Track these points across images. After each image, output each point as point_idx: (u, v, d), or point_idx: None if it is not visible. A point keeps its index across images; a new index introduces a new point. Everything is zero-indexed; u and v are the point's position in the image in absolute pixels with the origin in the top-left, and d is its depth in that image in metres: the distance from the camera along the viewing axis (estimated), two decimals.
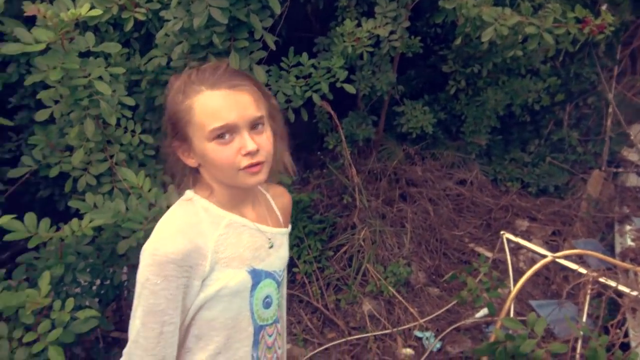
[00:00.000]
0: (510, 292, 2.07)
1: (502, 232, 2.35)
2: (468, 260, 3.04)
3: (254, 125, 0.95)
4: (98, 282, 1.95)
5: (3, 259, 2.45)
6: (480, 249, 3.07)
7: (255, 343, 1.03)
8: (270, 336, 1.07)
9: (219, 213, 1.00)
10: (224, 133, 0.92)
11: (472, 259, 3.05)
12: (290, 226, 1.20)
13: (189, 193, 1.02)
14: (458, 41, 2.96)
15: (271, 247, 1.06)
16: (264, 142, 0.95)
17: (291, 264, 2.78)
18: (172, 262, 0.89)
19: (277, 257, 1.08)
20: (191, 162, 1.00)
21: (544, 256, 2.24)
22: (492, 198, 3.50)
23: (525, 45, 2.67)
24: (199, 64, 1.01)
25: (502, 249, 2.37)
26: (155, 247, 0.91)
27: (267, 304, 1.05)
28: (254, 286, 1.01)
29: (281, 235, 1.12)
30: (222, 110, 0.92)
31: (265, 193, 1.15)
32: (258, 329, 1.04)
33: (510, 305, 1.97)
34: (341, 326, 2.57)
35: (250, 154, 0.93)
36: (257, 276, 1.01)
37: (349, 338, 2.50)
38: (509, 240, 2.31)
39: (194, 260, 0.92)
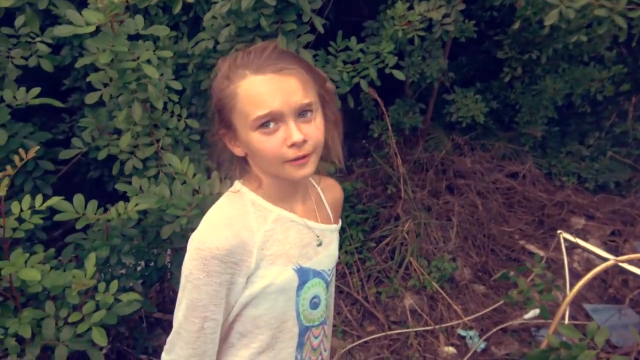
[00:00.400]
0: (565, 295, 1.94)
1: (559, 232, 2.20)
2: (517, 258, 2.89)
3: (301, 113, 0.87)
4: (142, 264, 1.98)
5: (54, 237, 2.54)
6: (531, 247, 2.92)
7: (300, 344, 0.99)
8: (316, 338, 1.02)
9: (266, 207, 0.94)
10: (268, 122, 0.85)
11: (521, 256, 2.90)
12: (340, 222, 1.12)
13: (237, 184, 0.97)
14: (516, 25, 2.78)
15: (320, 244, 0.99)
16: (312, 131, 0.87)
17: None
18: (216, 258, 0.85)
19: (326, 255, 1.02)
20: (238, 150, 0.94)
21: (604, 259, 2.08)
22: (545, 193, 3.31)
23: (590, 30, 2.47)
24: (246, 46, 0.94)
25: (556, 248, 2.23)
26: (200, 241, 0.87)
27: (314, 305, 0.99)
28: (301, 285, 0.95)
29: (330, 232, 1.05)
30: (266, 97, 0.84)
31: (316, 186, 1.08)
32: (304, 330, 0.99)
33: (565, 310, 1.84)
34: (381, 320, 2.51)
35: (295, 145, 0.86)
36: (304, 275, 0.96)
37: (389, 332, 2.44)
38: (565, 240, 2.16)
39: (239, 257, 0.87)
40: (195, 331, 0.88)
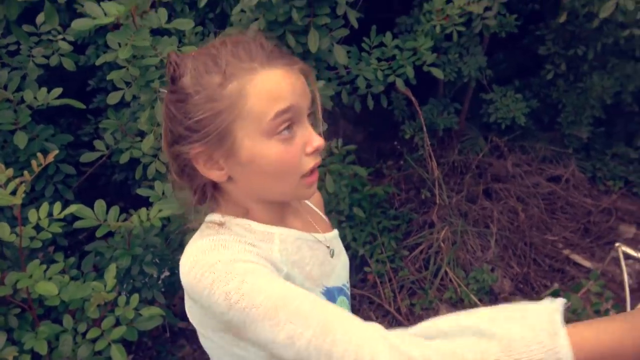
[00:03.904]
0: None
1: (617, 244, 2.00)
2: (561, 269, 2.70)
3: (310, 115, 0.73)
4: (166, 272, 1.89)
5: (79, 241, 2.48)
6: (576, 257, 2.71)
7: None
8: None
9: (265, 229, 0.75)
10: (289, 124, 0.69)
11: (566, 267, 2.70)
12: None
13: (215, 217, 0.75)
14: (562, 18, 2.60)
15: (332, 255, 0.84)
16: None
17: (362, 263, 2.60)
18: (238, 260, 0.64)
19: (341, 267, 0.87)
20: (217, 174, 0.72)
21: None
22: (590, 198, 3.10)
23: None
24: (221, 36, 0.73)
25: (612, 262, 2.03)
26: (193, 260, 0.65)
27: None
28: None
29: (336, 240, 0.90)
30: (286, 90, 0.68)
31: None
32: None
33: None
34: None
35: (317, 151, 0.71)
36: (331, 297, 0.80)
37: None
38: (625, 254, 1.96)
39: (269, 264, 0.67)
40: (310, 302, 0.61)
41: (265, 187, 0.72)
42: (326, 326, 0.59)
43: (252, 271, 0.63)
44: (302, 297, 0.61)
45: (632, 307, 1.68)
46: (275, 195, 0.74)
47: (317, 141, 0.71)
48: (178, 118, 0.70)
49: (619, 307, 1.70)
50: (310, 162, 0.71)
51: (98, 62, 1.47)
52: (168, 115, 0.73)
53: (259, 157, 0.69)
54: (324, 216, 0.94)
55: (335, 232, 0.91)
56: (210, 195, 0.76)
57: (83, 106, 1.73)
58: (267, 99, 0.67)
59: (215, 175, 0.72)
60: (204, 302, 0.63)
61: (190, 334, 2.26)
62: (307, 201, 0.92)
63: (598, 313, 1.68)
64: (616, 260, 2.67)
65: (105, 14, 1.25)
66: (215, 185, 0.76)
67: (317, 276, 0.78)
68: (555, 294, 1.86)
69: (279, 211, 0.80)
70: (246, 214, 0.76)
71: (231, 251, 0.65)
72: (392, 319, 2.46)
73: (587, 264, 2.63)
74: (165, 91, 0.75)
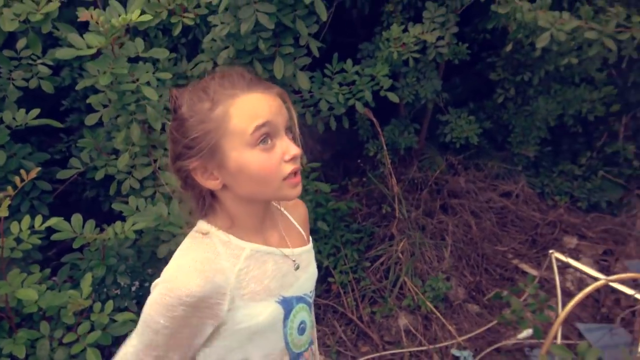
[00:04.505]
0: (557, 315, 1.96)
1: (550, 251, 2.23)
2: (511, 277, 2.91)
3: (287, 130, 0.89)
4: (137, 284, 1.98)
5: (50, 257, 2.53)
6: (524, 266, 2.93)
7: None
8: None
9: (238, 244, 0.90)
10: (267, 137, 0.84)
11: (515, 276, 2.92)
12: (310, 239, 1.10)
13: (203, 225, 0.91)
14: (508, 47, 2.85)
15: (297, 269, 0.98)
16: (299, 147, 0.89)
17: (326, 274, 2.74)
18: (184, 305, 0.81)
19: (306, 279, 1.01)
20: (213, 184, 0.88)
21: (595, 278, 2.11)
22: (538, 212, 3.34)
23: (581, 52, 2.53)
24: (209, 73, 0.94)
25: (549, 268, 2.25)
26: (168, 288, 0.82)
27: (301, 330, 0.98)
28: (287, 315, 0.94)
29: (307, 254, 1.03)
30: (262, 109, 0.84)
31: (280, 208, 1.05)
32: (295, 357, 0.98)
33: (557, 330, 1.85)
34: (375, 340, 2.51)
35: (294, 158, 0.86)
36: (288, 305, 0.95)
37: (383, 353, 2.44)
38: (557, 260, 2.19)
39: (213, 301, 0.84)
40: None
41: (254, 190, 0.88)
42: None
43: (163, 328, 0.83)
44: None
45: (564, 307, 1.89)
46: (263, 196, 0.89)
47: (294, 150, 0.86)
48: (178, 139, 0.87)
49: (552, 307, 1.90)
50: (289, 167, 0.86)
51: (79, 87, 1.59)
52: (171, 138, 0.89)
53: (244, 166, 0.85)
54: (302, 230, 1.06)
55: (309, 246, 1.05)
56: (208, 204, 0.91)
57: (61, 125, 1.84)
58: (246, 117, 0.83)
59: (211, 184, 0.88)
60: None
61: None
62: (289, 215, 1.05)
63: (534, 313, 1.88)
64: (559, 269, 2.91)
65: (88, 46, 1.38)
66: (213, 195, 0.91)
67: (274, 288, 0.92)
68: (497, 297, 2.05)
69: (260, 222, 0.94)
70: (231, 226, 0.91)
71: (188, 289, 0.81)
72: (355, 327, 2.60)
73: (533, 272, 2.85)
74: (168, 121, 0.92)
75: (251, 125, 0.83)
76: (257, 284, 0.90)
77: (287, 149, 0.86)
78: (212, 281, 0.83)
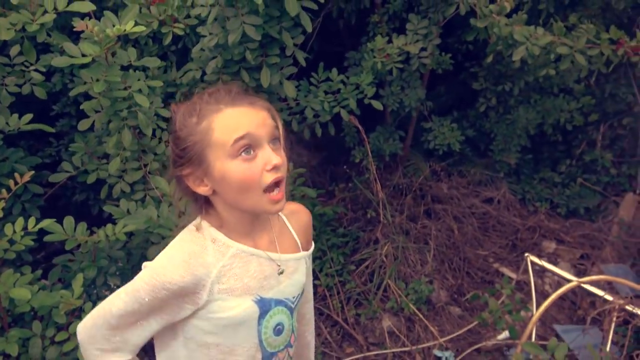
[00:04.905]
0: (532, 315, 2.04)
1: (526, 255, 2.32)
2: (492, 281, 3.00)
3: (272, 140, 0.94)
4: None
5: (38, 259, 2.56)
6: (504, 270, 3.03)
7: None
8: None
9: (226, 242, 0.98)
10: (248, 147, 0.90)
11: (496, 279, 3.01)
12: (312, 247, 1.15)
13: (198, 220, 1.00)
14: (489, 59, 2.96)
15: (281, 273, 1.04)
16: (283, 158, 0.95)
17: (313, 277, 2.81)
18: (166, 290, 0.92)
19: (290, 284, 1.05)
20: (204, 189, 0.96)
21: (569, 280, 2.20)
22: (519, 218, 3.45)
23: (558, 64, 2.65)
24: (204, 87, 1.03)
25: (527, 271, 2.34)
26: (156, 272, 0.93)
27: (278, 332, 1.04)
28: (263, 315, 1.00)
29: (295, 261, 1.08)
30: (243, 122, 0.91)
31: (280, 214, 1.09)
32: (268, 356, 1.04)
33: (532, 329, 1.94)
34: (360, 341, 2.58)
35: (275, 167, 0.91)
36: (265, 305, 1.01)
37: (368, 354, 2.50)
38: (533, 263, 2.28)
39: (192, 290, 0.94)
40: (128, 324, 0.96)
41: (237, 199, 0.94)
42: (112, 326, 0.98)
43: (147, 303, 0.93)
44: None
45: (538, 307, 1.97)
46: (245, 204, 0.95)
47: (275, 159, 0.92)
48: (174, 149, 0.98)
49: (527, 308, 1.99)
50: (270, 177, 0.92)
51: (72, 93, 1.65)
52: (170, 148, 1.01)
53: (226, 175, 0.92)
54: (297, 238, 1.10)
55: (301, 254, 1.10)
56: (203, 204, 1.01)
57: (52, 130, 1.88)
58: (227, 129, 0.91)
59: (202, 190, 0.96)
60: None
61: (149, 345, 2.37)
62: (286, 221, 1.10)
63: (510, 313, 1.96)
64: (538, 272, 3.01)
65: (83, 54, 1.45)
66: (206, 198, 0.99)
67: (253, 287, 0.99)
68: (475, 298, 2.13)
69: (250, 225, 1.01)
70: (221, 226, 0.99)
71: (172, 277, 0.92)
72: (340, 328, 2.67)
73: (513, 275, 2.94)
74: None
75: (231, 137, 0.90)
76: (237, 280, 0.97)
77: (269, 159, 0.91)
78: (193, 274, 0.93)
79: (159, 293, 0.92)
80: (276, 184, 0.94)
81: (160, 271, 0.93)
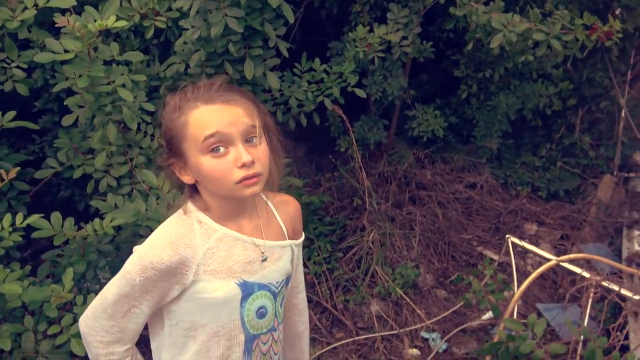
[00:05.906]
0: (514, 294, 2.12)
1: (507, 236, 2.39)
2: (476, 263, 3.07)
3: (248, 139, 0.97)
4: None
5: (25, 257, 2.56)
6: (488, 252, 3.10)
7: (248, 350, 1.08)
8: (264, 344, 1.11)
9: (212, 226, 1.03)
10: (218, 146, 0.94)
11: (479, 262, 3.08)
12: (302, 237, 1.19)
13: (187, 205, 1.05)
14: (469, 46, 3.00)
15: (264, 260, 1.07)
16: (259, 154, 0.97)
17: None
18: (154, 269, 0.97)
19: (274, 270, 1.09)
20: (187, 179, 1.02)
21: (548, 259, 2.28)
22: (501, 202, 3.53)
23: (535, 50, 2.71)
24: (194, 82, 1.05)
25: (508, 252, 2.41)
26: (144, 252, 0.98)
27: (261, 315, 1.08)
28: (245, 297, 1.05)
29: (280, 248, 1.11)
30: (214, 120, 0.95)
31: (269, 203, 1.14)
32: (251, 338, 1.08)
33: (513, 308, 2.01)
34: (349, 326, 2.63)
35: (245, 165, 0.94)
36: (247, 288, 1.05)
37: (357, 338, 2.56)
38: (515, 244, 2.35)
39: (179, 270, 0.99)
40: (123, 311, 1.00)
41: (213, 189, 1.00)
42: (109, 315, 1.02)
43: (138, 284, 0.98)
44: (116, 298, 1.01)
45: (519, 287, 2.05)
46: (222, 193, 1.00)
47: (245, 157, 0.94)
48: (162, 138, 1.05)
49: (509, 287, 2.06)
50: (240, 173, 0.95)
51: (56, 89, 1.65)
52: (162, 136, 1.06)
53: (199, 168, 0.97)
54: (284, 227, 1.13)
55: (286, 242, 1.12)
56: (189, 191, 1.06)
57: (37, 127, 1.88)
58: (199, 127, 0.95)
59: (185, 178, 1.03)
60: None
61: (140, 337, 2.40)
62: (274, 209, 1.14)
63: (493, 293, 2.03)
64: (521, 254, 3.09)
65: (65, 50, 1.45)
66: (193, 185, 1.05)
67: (237, 270, 1.04)
68: (459, 279, 2.20)
69: (236, 210, 1.05)
70: (207, 209, 1.04)
71: (159, 256, 0.97)
72: (329, 315, 2.72)
73: (496, 257, 3.02)
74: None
75: (202, 134, 0.95)
76: (221, 263, 1.02)
77: (239, 156, 0.94)
78: (180, 254, 0.98)
79: (148, 273, 0.97)
80: (248, 178, 0.96)
81: (148, 251, 0.98)
